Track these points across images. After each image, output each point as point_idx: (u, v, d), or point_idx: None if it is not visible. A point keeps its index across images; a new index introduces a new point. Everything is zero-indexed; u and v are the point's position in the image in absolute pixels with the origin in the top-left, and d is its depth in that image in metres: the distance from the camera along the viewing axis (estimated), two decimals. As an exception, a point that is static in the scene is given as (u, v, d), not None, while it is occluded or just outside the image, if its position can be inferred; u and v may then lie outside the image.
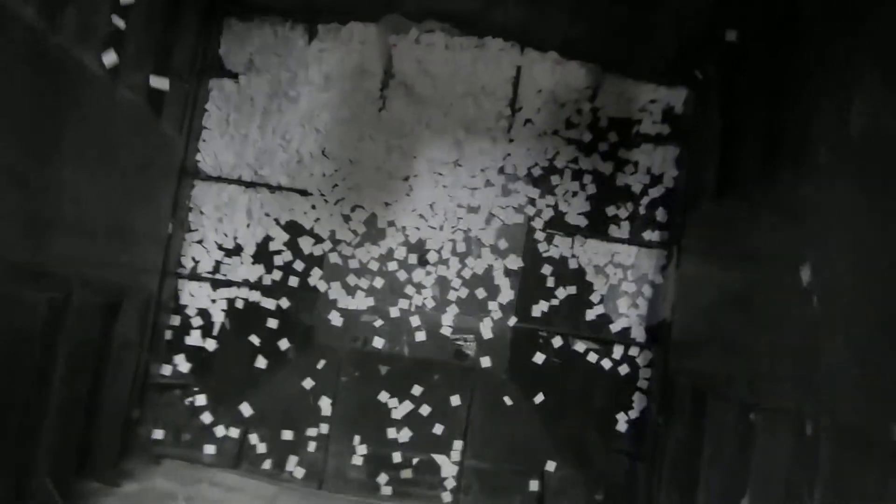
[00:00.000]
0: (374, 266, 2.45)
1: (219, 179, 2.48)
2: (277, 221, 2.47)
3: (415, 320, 2.43)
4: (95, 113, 1.68)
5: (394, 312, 2.43)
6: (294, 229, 2.47)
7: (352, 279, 2.44)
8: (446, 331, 2.43)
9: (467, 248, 2.45)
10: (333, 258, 2.45)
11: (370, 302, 2.44)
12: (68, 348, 1.74)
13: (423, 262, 2.44)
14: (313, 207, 2.47)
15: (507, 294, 2.44)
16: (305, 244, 2.45)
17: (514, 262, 2.44)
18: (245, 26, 2.50)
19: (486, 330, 2.43)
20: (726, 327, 1.88)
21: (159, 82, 2.01)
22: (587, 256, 2.46)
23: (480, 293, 2.44)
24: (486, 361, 2.41)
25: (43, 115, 1.46)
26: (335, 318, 2.43)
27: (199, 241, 2.46)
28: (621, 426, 2.41)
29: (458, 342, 2.42)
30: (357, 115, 2.48)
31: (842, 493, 1.22)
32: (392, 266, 2.45)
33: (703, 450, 1.90)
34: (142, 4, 1.85)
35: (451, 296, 2.44)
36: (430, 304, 2.44)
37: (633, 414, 2.41)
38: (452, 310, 2.44)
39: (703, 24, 2.20)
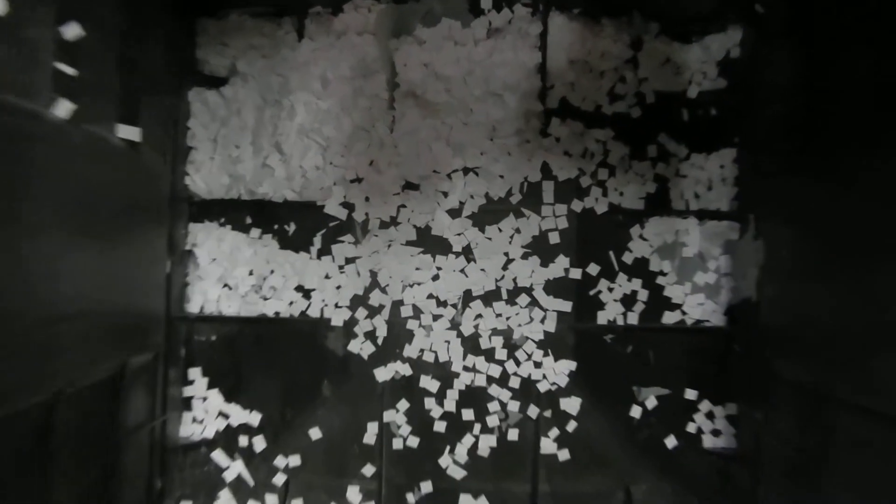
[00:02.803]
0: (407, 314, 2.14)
1: (212, 206, 2.14)
2: (286, 282, 2.14)
3: (463, 346, 2.14)
4: (59, 166, 1.36)
5: (439, 346, 2.14)
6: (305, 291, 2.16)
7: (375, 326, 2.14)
8: (502, 354, 2.13)
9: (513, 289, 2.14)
10: (362, 326, 2.14)
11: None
12: (70, 444, 1.45)
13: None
14: (327, 277, 2.14)
15: (566, 302, 2.13)
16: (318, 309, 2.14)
17: (566, 267, 2.13)
18: (221, 25, 2.13)
19: (546, 338, 2.13)
20: (833, 317, 1.58)
21: (129, 132, 1.68)
22: (649, 240, 2.13)
23: (539, 300, 2.13)
24: (549, 374, 2.11)
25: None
26: (368, 347, 2.13)
27: (200, 279, 2.15)
28: (712, 424, 2.12)
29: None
30: (364, 127, 2.11)
31: None
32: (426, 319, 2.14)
33: (826, 456, 1.62)
34: (93, 29, 1.51)
35: (502, 310, 2.13)
36: (481, 328, 2.14)
37: (724, 410, 2.11)
38: (507, 323, 2.13)
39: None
